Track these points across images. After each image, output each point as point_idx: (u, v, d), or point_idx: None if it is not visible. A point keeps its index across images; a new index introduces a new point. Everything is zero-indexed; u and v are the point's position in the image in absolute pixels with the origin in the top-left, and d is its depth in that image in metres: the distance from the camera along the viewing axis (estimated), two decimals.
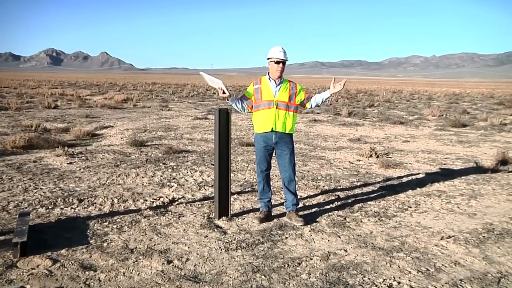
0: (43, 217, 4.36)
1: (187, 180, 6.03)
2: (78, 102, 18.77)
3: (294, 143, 4.56)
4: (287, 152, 4.38)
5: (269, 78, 4.36)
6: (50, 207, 4.67)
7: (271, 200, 4.60)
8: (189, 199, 5.16)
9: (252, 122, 4.68)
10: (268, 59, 4.34)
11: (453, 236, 4.08)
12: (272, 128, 4.28)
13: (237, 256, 3.53)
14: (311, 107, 4.48)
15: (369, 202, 5.18)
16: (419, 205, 5.13)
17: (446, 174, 6.77)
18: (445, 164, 7.69)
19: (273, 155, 4.51)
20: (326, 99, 4.45)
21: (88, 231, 4.01)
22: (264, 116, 4.30)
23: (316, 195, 5.46)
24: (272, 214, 4.56)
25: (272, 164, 4.55)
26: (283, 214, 4.57)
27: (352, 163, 7.54)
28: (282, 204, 4.83)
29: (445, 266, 3.41)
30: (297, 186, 4.64)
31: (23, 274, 3.11)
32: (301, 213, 4.59)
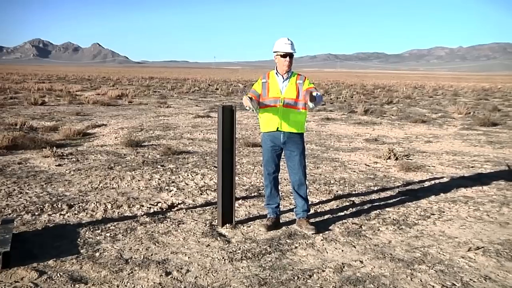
0: (29, 225, 4.39)
1: (187, 184, 6.05)
2: (67, 98, 18.91)
3: (305, 144, 4.55)
4: (296, 153, 4.37)
5: (276, 73, 4.36)
6: (36, 214, 4.70)
7: (280, 206, 4.60)
8: (189, 204, 5.18)
9: (258, 120, 4.68)
10: (274, 52, 4.34)
11: (482, 247, 4.05)
12: (277, 127, 4.28)
13: (242, 268, 3.53)
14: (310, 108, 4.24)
15: (387, 209, 5.15)
16: (443, 212, 5.10)
17: (474, 178, 6.72)
18: (472, 167, 7.64)
19: (282, 156, 4.51)
20: (313, 107, 4.17)
21: (79, 239, 4.03)
22: (269, 114, 4.30)
23: (328, 200, 5.45)
24: (281, 221, 4.57)
25: (280, 167, 4.55)
26: (293, 221, 4.57)
27: (369, 166, 7.52)
28: (291, 210, 4.82)
29: (474, 281, 3.38)
30: (308, 190, 4.64)
31: None
32: (312, 220, 4.59)
